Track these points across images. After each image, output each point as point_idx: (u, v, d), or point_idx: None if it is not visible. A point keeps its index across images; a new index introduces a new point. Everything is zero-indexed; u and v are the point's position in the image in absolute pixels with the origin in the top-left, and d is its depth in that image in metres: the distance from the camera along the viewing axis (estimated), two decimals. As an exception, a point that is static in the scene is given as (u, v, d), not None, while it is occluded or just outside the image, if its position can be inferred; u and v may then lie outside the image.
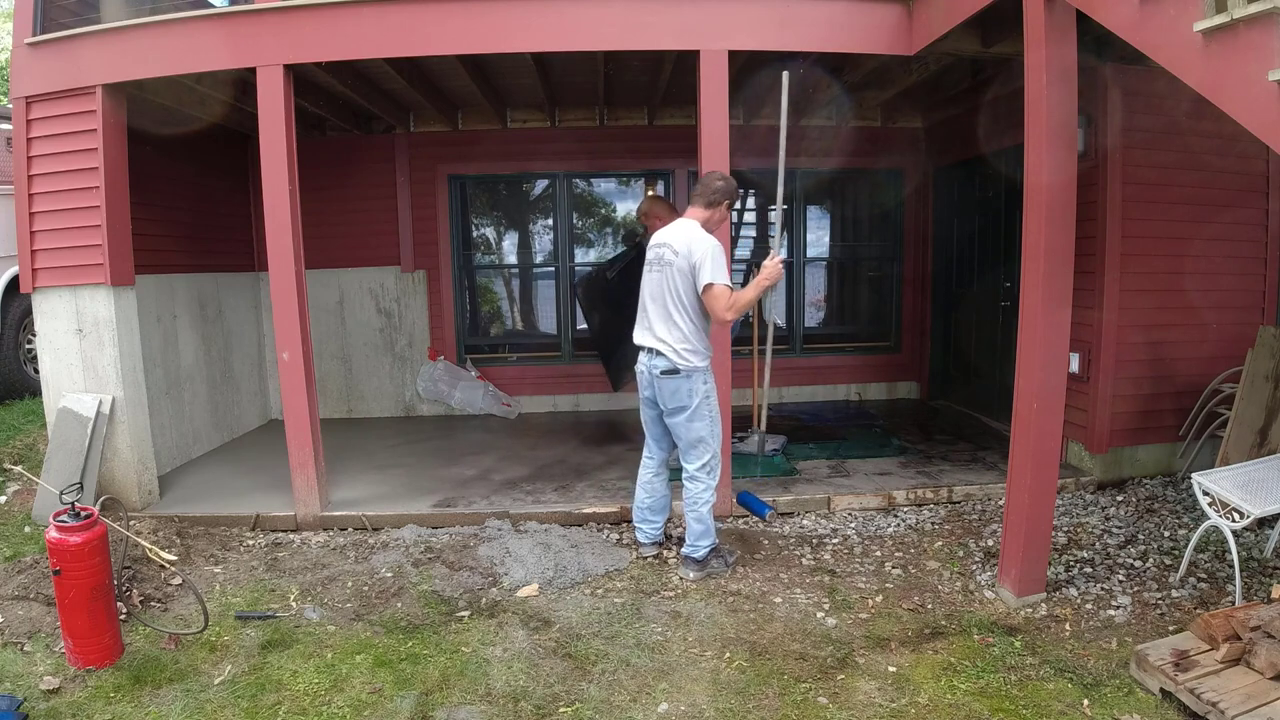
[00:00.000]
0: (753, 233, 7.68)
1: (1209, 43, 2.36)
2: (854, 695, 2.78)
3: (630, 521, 4.45)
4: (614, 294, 5.67)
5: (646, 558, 3.97)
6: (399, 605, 3.51)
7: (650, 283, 3.68)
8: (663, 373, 3.60)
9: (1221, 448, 4.29)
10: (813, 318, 7.66)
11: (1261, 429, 4.24)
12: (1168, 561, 3.72)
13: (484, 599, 3.58)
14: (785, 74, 4.21)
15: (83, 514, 2.96)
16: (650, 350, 3.65)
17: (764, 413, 4.89)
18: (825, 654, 3.05)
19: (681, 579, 3.71)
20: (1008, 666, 2.92)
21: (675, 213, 5.36)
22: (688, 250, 3.53)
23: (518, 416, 7.02)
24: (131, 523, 3.99)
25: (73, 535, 2.91)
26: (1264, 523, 3.67)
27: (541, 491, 4.82)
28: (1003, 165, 5.82)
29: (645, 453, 3.94)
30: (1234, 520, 3.22)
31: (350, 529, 4.44)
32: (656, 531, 4.00)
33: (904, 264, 7.32)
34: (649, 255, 3.72)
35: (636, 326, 3.75)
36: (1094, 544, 3.96)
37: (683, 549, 3.79)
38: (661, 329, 3.61)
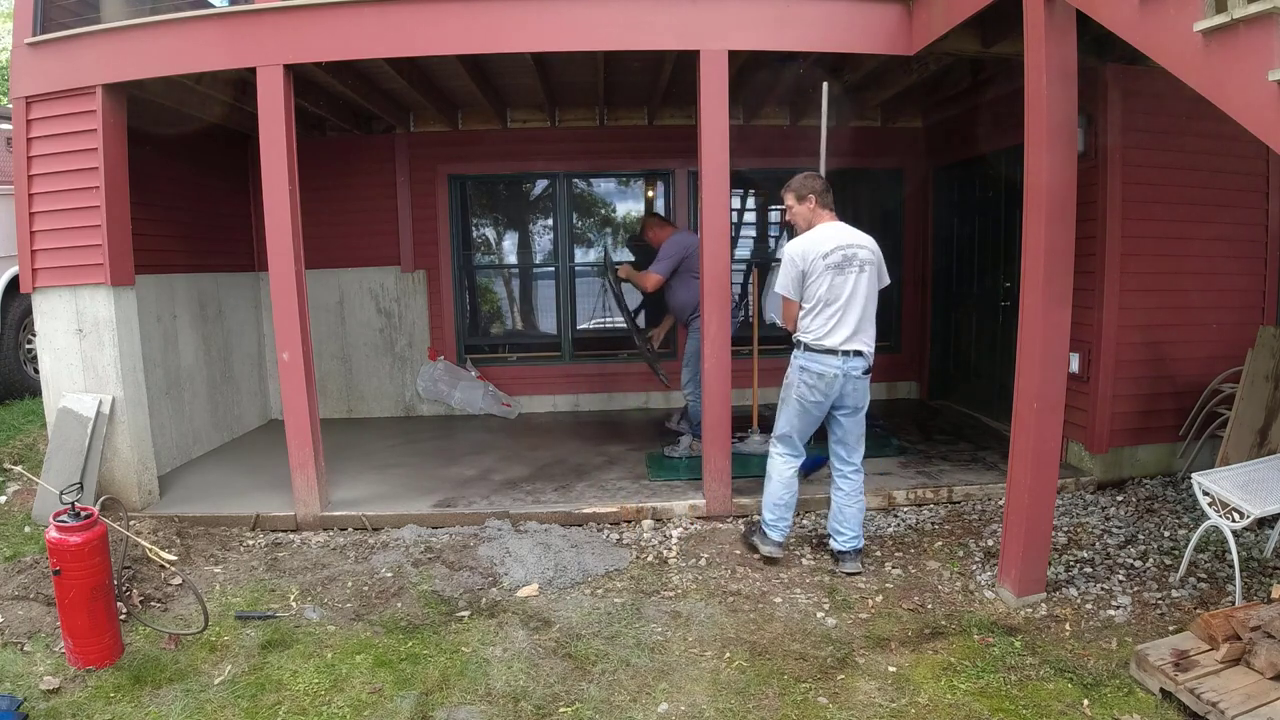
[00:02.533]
0: (753, 233, 7.68)
1: (1209, 43, 2.36)
2: (854, 695, 2.78)
3: (630, 522, 4.46)
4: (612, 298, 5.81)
5: (776, 559, 3.89)
6: (399, 605, 3.51)
7: (847, 286, 3.61)
8: (864, 373, 3.69)
9: (1221, 448, 4.29)
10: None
11: (1261, 429, 4.25)
12: (1168, 561, 3.72)
13: (484, 599, 3.58)
14: (825, 85, 4.33)
15: (83, 514, 2.97)
16: (850, 353, 3.63)
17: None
18: (825, 654, 3.05)
19: (849, 574, 3.75)
20: (1008, 666, 2.92)
21: (669, 222, 5.75)
22: (875, 250, 3.72)
23: (518, 416, 7.02)
24: (131, 523, 3.99)
25: (73, 535, 2.91)
26: (1264, 523, 3.67)
27: (541, 491, 4.82)
28: (1003, 165, 5.82)
29: (792, 453, 3.88)
30: (1234, 520, 3.22)
31: (350, 529, 4.44)
32: (788, 528, 3.94)
33: (904, 264, 7.30)
34: (832, 259, 3.59)
35: (837, 329, 3.62)
36: (1094, 544, 3.96)
37: (850, 543, 3.79)
38: (867, 330, 3.68)
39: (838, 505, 3.84)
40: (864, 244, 3.70)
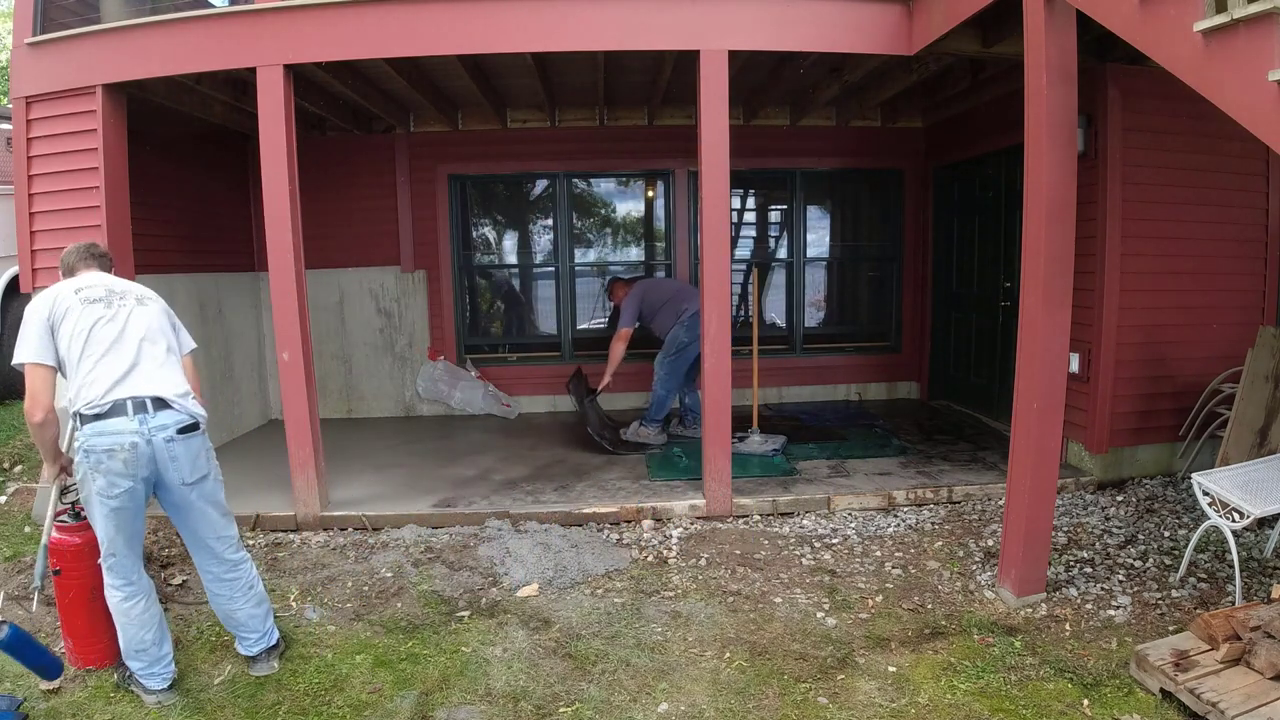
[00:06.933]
0: (753, 233, 7.69)
1: (1209, 43, 2.36)
2: (854, 695, 2.78)
3: (630, 522, 4.46)
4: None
5: (171, 704, 2.83)
6: (399, 605, 3.51)
7: (118, 323, 2.81)
8: (181, 431, 2.76)
9: (1221, 448, 4.29)
10: (813, 318, 7.66)
11: (1261, 429, 4.25)
12: (1168, 561, 3.72)
13: (484, 599, 3.58)
14: None
15: (83, 514, 2.96)
16: (143, 404, 2.69)
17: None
18: (825, 654, 3.05)
19: (262, 676, 2.97)
20: (1008, 666, 2.92)
21: (629, 282, 6.00)
22: (159, 298, 3.10)
23: (517, 416, 7.02)
24: (131, 523, 3.98)
25: (73, 535, 2.92)
26: (1264, 523, 3.67)
27: (541, 491, 4.82)
28: (1002, 165, 5.83)
29: (126, 580, 2.78)
30: (1234, 520, 3.22)
31: (350, 529, 4.44)
32: (170, 665, 2.88)
33: (904, 264, 7.32)
34: (90, 293, 2.84)
35: (104, 373, 2.70)
36: (1094, 544, 3.96)
37: (260, 644, 3.01)
38: (164, 373, 2.84)
39: (222, 613, 2.96)
40: (141, 290, 3.00)
